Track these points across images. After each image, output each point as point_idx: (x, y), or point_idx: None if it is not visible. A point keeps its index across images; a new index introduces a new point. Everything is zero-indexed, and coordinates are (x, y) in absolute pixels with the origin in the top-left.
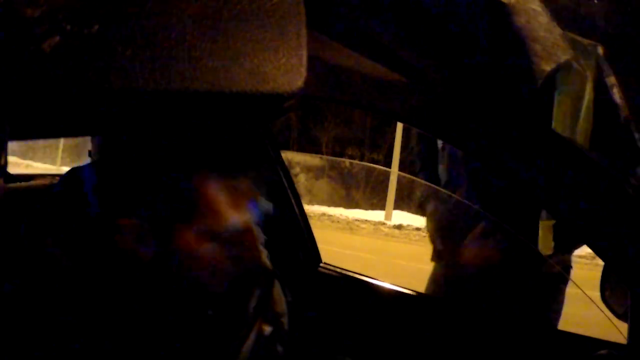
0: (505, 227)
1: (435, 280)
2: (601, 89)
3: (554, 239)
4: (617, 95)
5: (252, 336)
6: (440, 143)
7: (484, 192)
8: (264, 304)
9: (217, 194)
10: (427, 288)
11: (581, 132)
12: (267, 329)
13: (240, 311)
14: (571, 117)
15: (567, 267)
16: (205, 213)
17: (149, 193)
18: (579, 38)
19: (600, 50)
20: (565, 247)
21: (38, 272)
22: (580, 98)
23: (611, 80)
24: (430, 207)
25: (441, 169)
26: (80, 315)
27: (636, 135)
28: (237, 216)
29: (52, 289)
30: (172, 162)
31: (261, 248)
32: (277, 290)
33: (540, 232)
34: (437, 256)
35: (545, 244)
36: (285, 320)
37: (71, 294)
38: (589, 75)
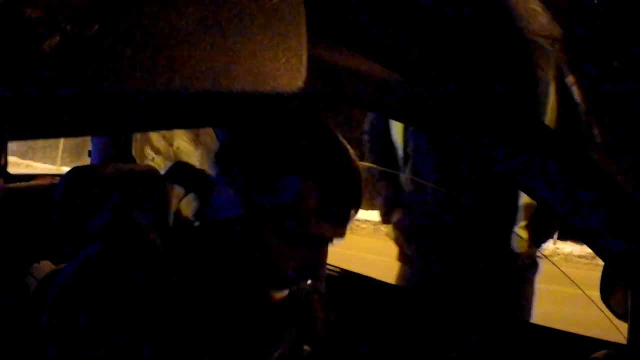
0: (474, 223)
1: (406, 279)
2: (563, 90)
3: (528, 238)
4: (576, 93)
5: (283, 350)
6: (401, 154)
7: (450, 202)
8: (306, 324)
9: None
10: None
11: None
12: (306, 349)
13: (280, 327)
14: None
15: (534, 260)
16: (300, 216)
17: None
18: (537, 38)
19: (557, 48)
20: (536, 242)
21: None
22: (544, 101)
23: (570, 79)
24: (395, 217)
25: (403, 178)
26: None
27: (595, 131)
28: (327, 229)
29: (143, 265)
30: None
31: (324, 268)
32: (321, 311)
33: (516, 234)
34: (404, 258)
35: (520, 243)
36: (322, 341)
37: (159, 271)
38: (552, 79)
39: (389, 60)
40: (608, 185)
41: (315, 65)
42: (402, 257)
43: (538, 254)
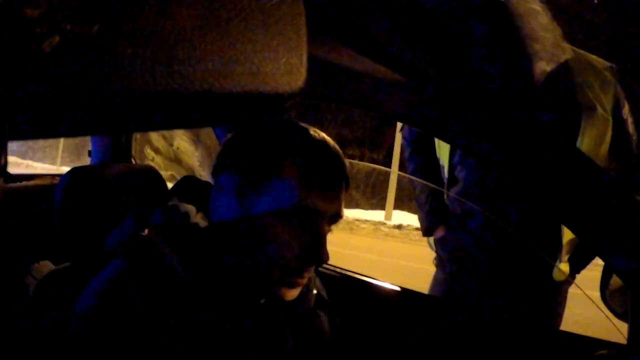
0: (513, 234)
1: (438, 282)
2: (618, 124)
3: (570, 269)
4: (630, 125)
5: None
6: (445, 174)
7: (496, 230)
8: (309, 330)
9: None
10: (431, 290)
11: (600, 163)
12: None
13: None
14: (593, 154)
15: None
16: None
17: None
18: (596, 62)
19: (614, 72)
20: (577, 269)
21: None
22: (602, 138)
23: (625, 111)
24: (438, 233)
25: (448, 199)
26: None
27: None
28: (317, 200)
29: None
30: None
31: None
32: (325, 320)
33: (556, 270)
34: (440, 263)
35: (559, 274)
36: (322, 348)
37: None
38: (610, 117)
39: (388, 60)
40: (608, 186)
41: (315, 65)
42: (440, 262)
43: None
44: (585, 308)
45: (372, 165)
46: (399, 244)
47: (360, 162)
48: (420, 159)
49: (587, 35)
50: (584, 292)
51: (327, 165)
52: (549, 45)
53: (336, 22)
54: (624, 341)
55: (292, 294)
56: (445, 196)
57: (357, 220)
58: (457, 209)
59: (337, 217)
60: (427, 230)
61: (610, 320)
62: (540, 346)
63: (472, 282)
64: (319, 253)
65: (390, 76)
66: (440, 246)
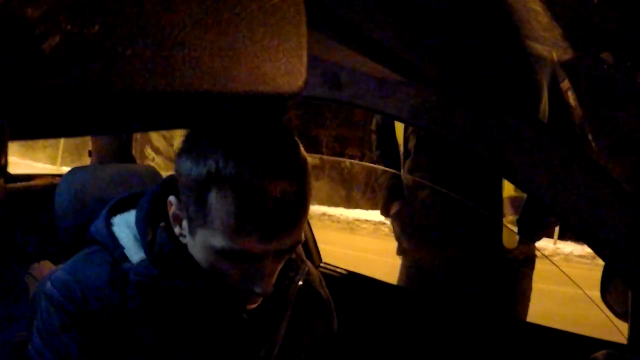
0: (471, 217)
1: (404, 272)
2: (556, 94)
3: (518, 232)
4: (571, 98)
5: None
6: (402, 150)
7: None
8: (305, 330)
9: None
10: (398, 280)
11: None
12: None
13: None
14: None
15: (530, 255)
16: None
17: None
18: (535, 45)
19: (554, 55)
20: (529, 237)
21: None
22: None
23: (565, 85)
24: (394, 208)
25: (402, 173)
26: None
27: (590, 136)
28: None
29: None
30: None
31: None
32: (323, 319)
33: (504, 229)
34: (402, 252)
35: (509, 239)
36: (320, 348)
37: None
38: (545, 86)
39: (389, 60)
40: (609, 185)
41: (315, 65)
42: (400, 250)
43: (536, 251)
44: (585, 308)
45: (372, 165)
46: None
47: (360, 162)
48: (384, 145)
49: (587, 35)
50: (584, 291)
51: (263, 211)
52: (549, 45)
53: (337, 22)
54: (624, 341)
55: (251, 305)
56: (401, 172)
57: (357, 220)
58: (409, 181)
59: (285, 252)
60: (384, 206)
61: (610, 320)
62: (540, 346)
63: (425, 258)
64: (259, 285)
65: (390, 76)
66: (397, 223)
